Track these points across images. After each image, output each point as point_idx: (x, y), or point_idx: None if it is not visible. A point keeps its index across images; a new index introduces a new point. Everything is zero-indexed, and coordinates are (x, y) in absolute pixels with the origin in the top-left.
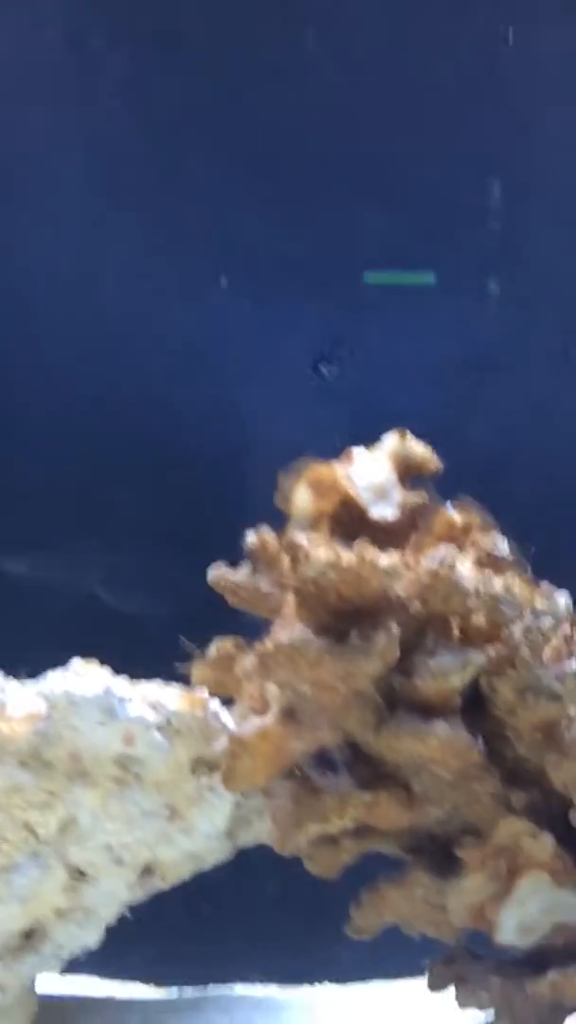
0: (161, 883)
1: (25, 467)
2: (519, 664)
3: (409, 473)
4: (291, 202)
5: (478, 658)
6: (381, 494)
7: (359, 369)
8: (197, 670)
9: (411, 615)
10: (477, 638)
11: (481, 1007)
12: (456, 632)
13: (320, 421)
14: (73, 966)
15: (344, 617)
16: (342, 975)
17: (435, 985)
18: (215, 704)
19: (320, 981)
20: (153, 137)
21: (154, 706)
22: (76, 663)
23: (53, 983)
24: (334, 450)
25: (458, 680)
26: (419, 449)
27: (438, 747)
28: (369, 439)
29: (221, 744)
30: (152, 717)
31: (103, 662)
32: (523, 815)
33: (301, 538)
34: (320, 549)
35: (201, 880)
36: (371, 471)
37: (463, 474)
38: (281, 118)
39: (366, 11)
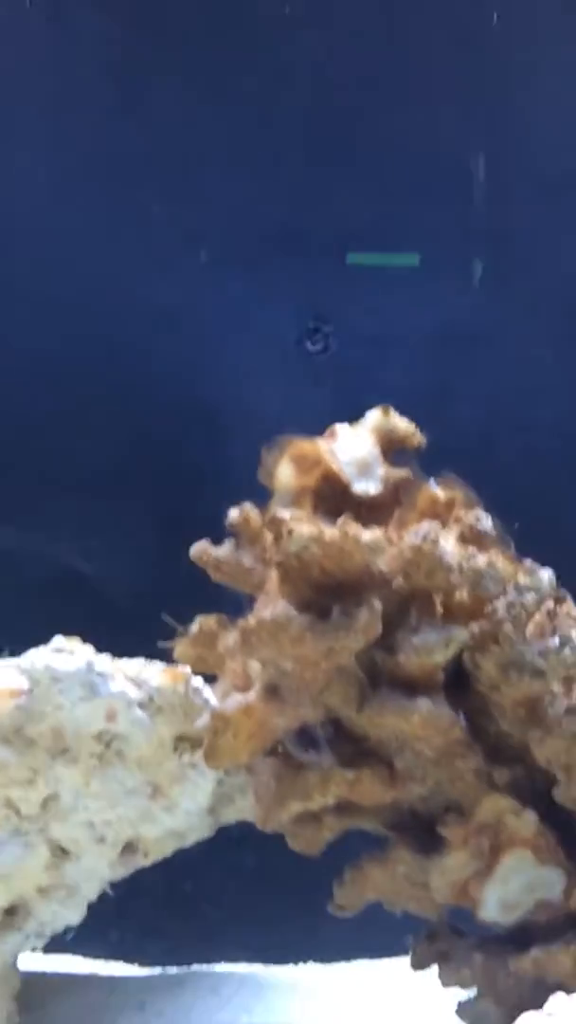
0: (143, 860)
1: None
2: (502, 640)
3: (392, 448)
4: (277, 178)
5: (461, 634)
6: (364, 469)
7: (343, 344)
8: (179, 647)
9: (394, 591)
10: (460, 614)
11: (464, 985)
12: (439, 608)
13: (304, 397)
14: (55, 944)
15: (327, 593)
16: (326, 954)
17: (418, 964)
18: (197, 681)
19: (304, 960)
20: (133, 109)
21: (136, 682)
22: (57, 639)
23: (36, 961)
24: (318, 426)
25: (441, 657)
26: (402, 424)
27: (421, 724)
28: (353, 416)
29: (203, 721)
30: (134, 693)
31: (76, 635)
32: (506, 792)
33: (284, 513)
34: (303, 524)
35: (183, 857)
36: (354, 446)
37: (447, 450)
38: (265, 95)
39: None
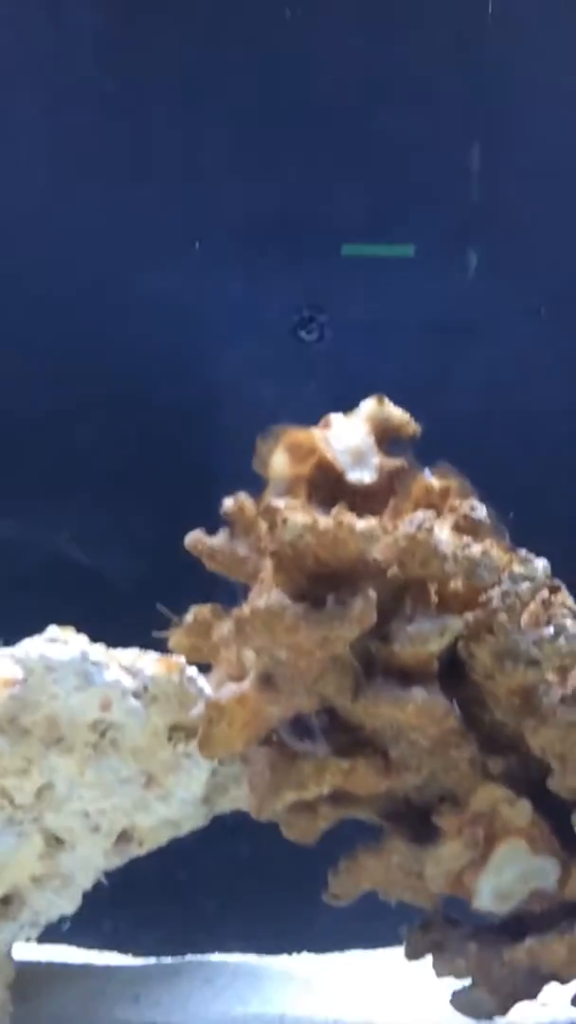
0: (138, 850)
1: None
2: (497, 629)
3: (387, 437)
4: (273, 170)
5: (456, 624)
6: (359, 458)
7: (338, 334)
8: (174, 636)
9: (389, 580)
10: (455, 603)
11: (458, 975)
12: (434, 597)
13: (298, 386)
14: (49, 934)
15: (321, 582)
16: (321, 944)
17: (412, 954)
18: (192, 670)
19: (299, 950)
20: (131, 103)
21: (131, 672)
22: (52, 629)
23: (30, 951)
24: (312, 415)
25: (436, 646)
26: (397, 413)
27: (415, 713)
28: (347, 405)
29: (198, 710)
30: (129, 683)
31: (71, 625)
32: (501, 781)
33: (278, 502)
34: (297, 513)
35: (178, 847)
36: (348, 435)
37: (441, 439)
38: (260, 87)
39: None
